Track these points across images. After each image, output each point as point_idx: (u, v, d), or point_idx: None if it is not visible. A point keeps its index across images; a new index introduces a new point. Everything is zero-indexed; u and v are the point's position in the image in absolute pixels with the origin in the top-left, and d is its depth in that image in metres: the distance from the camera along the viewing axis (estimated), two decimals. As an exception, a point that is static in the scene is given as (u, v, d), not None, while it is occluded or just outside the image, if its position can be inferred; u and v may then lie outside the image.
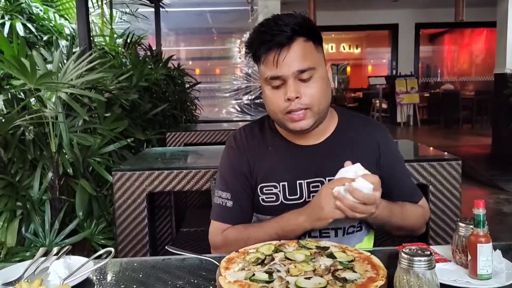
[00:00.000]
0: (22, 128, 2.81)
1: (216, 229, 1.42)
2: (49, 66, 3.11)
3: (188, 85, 5.22)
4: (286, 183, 1.39)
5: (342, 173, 1.25)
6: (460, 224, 1.08)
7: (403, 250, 0.92)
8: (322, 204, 1.24)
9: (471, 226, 1.03)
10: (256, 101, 6.65)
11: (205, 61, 8.29)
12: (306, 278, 0.97)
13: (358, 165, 1.24)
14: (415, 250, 0.92)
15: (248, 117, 6.39)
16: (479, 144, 8.06)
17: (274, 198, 1.40)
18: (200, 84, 5.61)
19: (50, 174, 2.79)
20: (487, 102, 9.98)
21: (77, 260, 1.19)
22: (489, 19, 8.43)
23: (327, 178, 1.39)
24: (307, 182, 1.39)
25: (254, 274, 1.00)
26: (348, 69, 12.94)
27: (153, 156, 2.96)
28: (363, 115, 1.57)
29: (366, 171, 1.23)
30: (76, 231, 2.86)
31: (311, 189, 1.39)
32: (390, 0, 10.03)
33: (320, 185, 1.39)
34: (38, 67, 2.85)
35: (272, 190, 1.40)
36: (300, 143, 1.43)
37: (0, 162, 2.78)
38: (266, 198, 1.41)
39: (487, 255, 0.98)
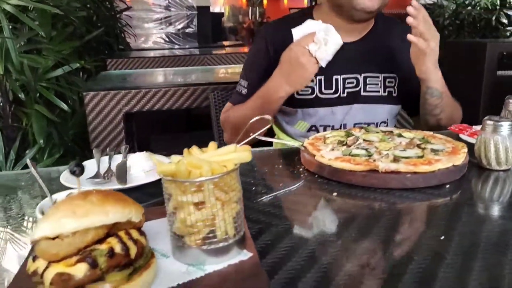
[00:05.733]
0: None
1: (226, 109, 1.56)
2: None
3: (118, 10, 4.84)
4: (322, 77, 1.44)
5: (297, 32, 1.27)
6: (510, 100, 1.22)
7: (487, 118, 1.05)
8: (303, 62, 1.24)
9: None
10: (184, 30, 6.39)
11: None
12: (401, 151, 1.05)
13: (309, 20, 1.28)
14: (496, 118, 1.04)
15: (177, 47, 6.17)
16: None
17: (310, 91, 1.45)
18: (131, 10, 5.23)
19: (-1, 100, 2.51)
20: None
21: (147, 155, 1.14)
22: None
23: (362, 75, 1.46)
24: (343, 78, 1.45)
25: (351, 152, 1.06)
26: (265, 1, 12.80)
27: (117, 78, 2.78)
28: (397, 19, 1.62)
29: (320, 24, 1.25)
30: (35, 161, 2.64)
31: (346, 85, 1.46)
32: None
33: (355, 81, 1.46)
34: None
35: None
36: None
37: None
38: (301, 91, 1.44)
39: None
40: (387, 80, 1.49)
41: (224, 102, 2.06)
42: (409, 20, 1.23)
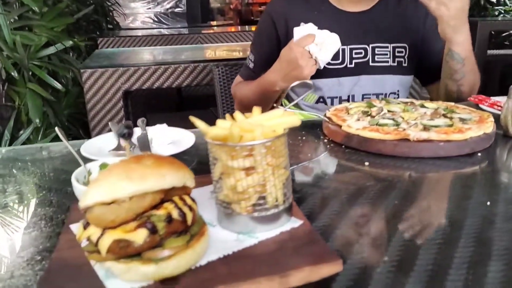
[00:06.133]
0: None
1: (235, 81, 1.65)
2: None
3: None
4: None
5: (299, 32, 1.26)
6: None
7: (514, 86, 1.04)
8: (301, 64, 1.23)
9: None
10: (173, 10, 6.26)
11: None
12: (428, 120, 1.04)
13: (310, 24, 1.26)
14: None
15: (165, 26, 6.05)
16: None
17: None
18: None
19: (-7, 78, 2.42)
20: None
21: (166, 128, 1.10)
22: None
23: (370, 45, 1.44)
24: (350, 48, 1.43)
25: (378, 122, 1.04)
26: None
27: (112, 56, 2.71)
28: None
29: (321, 30, 1.25)
30: (30, 141, 2.58)
31: (353, 56, 1.44)
32: None
33: (363, 52, 1.44)
34: None
35: None
36: (348, 10, 1.45)
37: None
38: None
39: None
40: (397, 50, 1.47)
41: (227, 77, 2.03)
42: None
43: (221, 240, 0.62)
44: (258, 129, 0.61)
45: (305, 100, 1.50)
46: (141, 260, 0.52)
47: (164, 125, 1.08)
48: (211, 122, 0.66)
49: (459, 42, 1.29)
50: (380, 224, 0.69)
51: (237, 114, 0.69)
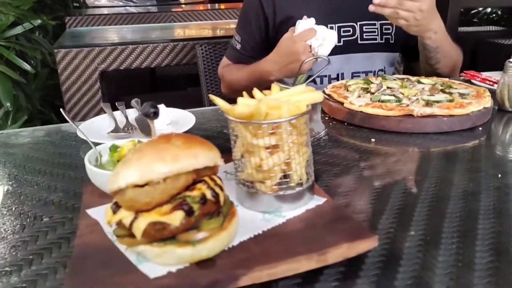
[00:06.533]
0: None
1: (222, 63, 1.61)
2: None
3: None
4: None
5: (301, 25, 1.26)
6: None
7: (509, 60, 1.06)
8: (302, 59, 1.23)
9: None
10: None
11: None
12: (429, 96, 1.05)
13: (312, 19, 1.27)
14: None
15: (132, 4, 5.84)
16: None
17: None
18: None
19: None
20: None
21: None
22: None
23: (358, 23, 1.44)
24: (338, 26, 1.43)
25: (380, 98, 1.04)
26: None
27: (85, 35, 2.60)
28: None
29: (320, 26, 1.25)
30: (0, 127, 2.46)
31: (342, 34, 1.43)
32: None
33: (351, 30, 1.44)
34: None
35: None
36: None
37: None
38: None
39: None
40: (384, 27, 1.47)
41: (211, 57, 1.99)
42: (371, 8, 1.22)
43: (249, 220, 0.60)
44: (284, 105, 0.59)
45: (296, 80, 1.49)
46: (177, 243, 0.50)
47: (162, 105, 1.05)
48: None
49: (429, 37, 1.30)
50: (399, 199, 0.70)
51: (256, 92, 0.67)
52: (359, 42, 1.46)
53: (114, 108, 1.12)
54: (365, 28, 1.46)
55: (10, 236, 0.63)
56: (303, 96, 0.64)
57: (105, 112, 1.10)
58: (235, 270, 0.50)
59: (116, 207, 0.52)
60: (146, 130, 0.94)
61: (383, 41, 1.48)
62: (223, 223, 0.54)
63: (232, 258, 0.52)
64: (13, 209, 0.71)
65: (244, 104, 0.61)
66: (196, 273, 0.50)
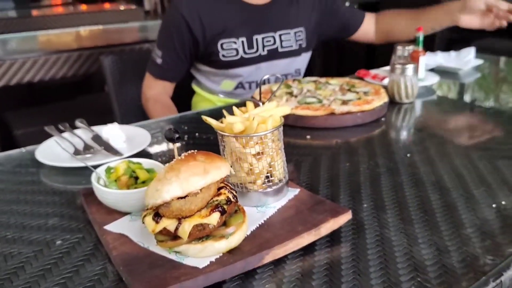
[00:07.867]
0: None
1: (147, 80, 1.65)
2: None
3: None
4: (245, 39, 1.57)
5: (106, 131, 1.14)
6: (398, 47, 1.54)
7: (395, 62, 1.34)
8: None
9: (408, 47, 1.51)
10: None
11: None
12: (342, 96, 1.29)
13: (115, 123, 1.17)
14: (402, 62, 1.35)
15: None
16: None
17: (234, 53, 1.57)
18: None
19: None
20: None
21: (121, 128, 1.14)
22: None
23: (277, 33, 1.64)
24: (262, 37, 1.61)
25: (306, 100, 1.25)
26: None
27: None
28: None
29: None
30: None
31: (265, 44, 1.62)
32: None
33: (272, 40, 1.63)
34: None
35: (232, 45, 1.56)
36: (253, 3, 1.60)
37: None
38: (226, 53, 1.56)
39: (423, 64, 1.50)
40: (297, 34, 1.68)
41: (119, 67, 2.01)
42: None
43: (249, 214, 0.76)
44: (269, 120, 0.76)
45: (223, 87, 1.64)
46: (213, 238, 0.64)
47: (115, 124, 1.13)
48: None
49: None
50: (347, 181, 0.91)
51: (235, 109, 0.82)
52: (280, 50, 1.64)
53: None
54: (283, 37, 1.65)
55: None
56: (276, 110, 0.81)
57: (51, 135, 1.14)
58: (260, 252, 0.65)
59: (158, 217, 0.63)
60: (112, 150, 1.02)
61: (298, 47, 1.69)
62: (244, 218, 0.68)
63: (253, 243, 0.67)
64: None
65: (237, 121, 0.75)
66: (231, 259, 0.64)
